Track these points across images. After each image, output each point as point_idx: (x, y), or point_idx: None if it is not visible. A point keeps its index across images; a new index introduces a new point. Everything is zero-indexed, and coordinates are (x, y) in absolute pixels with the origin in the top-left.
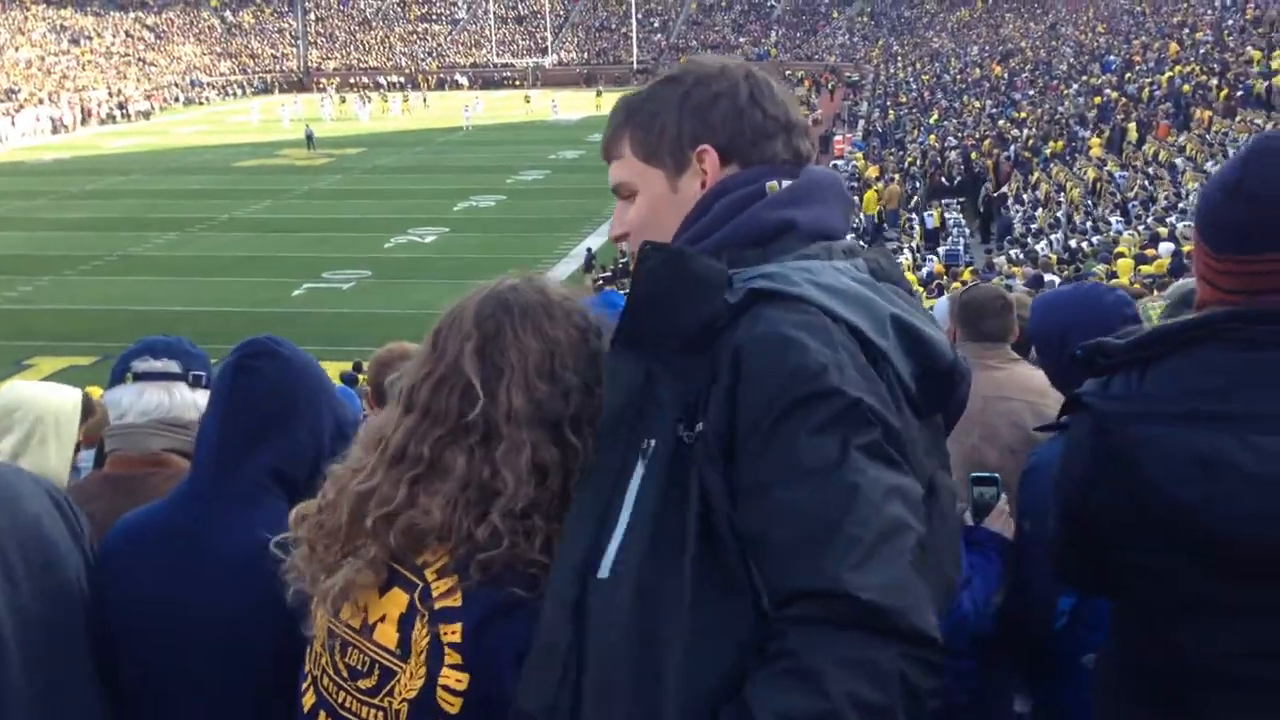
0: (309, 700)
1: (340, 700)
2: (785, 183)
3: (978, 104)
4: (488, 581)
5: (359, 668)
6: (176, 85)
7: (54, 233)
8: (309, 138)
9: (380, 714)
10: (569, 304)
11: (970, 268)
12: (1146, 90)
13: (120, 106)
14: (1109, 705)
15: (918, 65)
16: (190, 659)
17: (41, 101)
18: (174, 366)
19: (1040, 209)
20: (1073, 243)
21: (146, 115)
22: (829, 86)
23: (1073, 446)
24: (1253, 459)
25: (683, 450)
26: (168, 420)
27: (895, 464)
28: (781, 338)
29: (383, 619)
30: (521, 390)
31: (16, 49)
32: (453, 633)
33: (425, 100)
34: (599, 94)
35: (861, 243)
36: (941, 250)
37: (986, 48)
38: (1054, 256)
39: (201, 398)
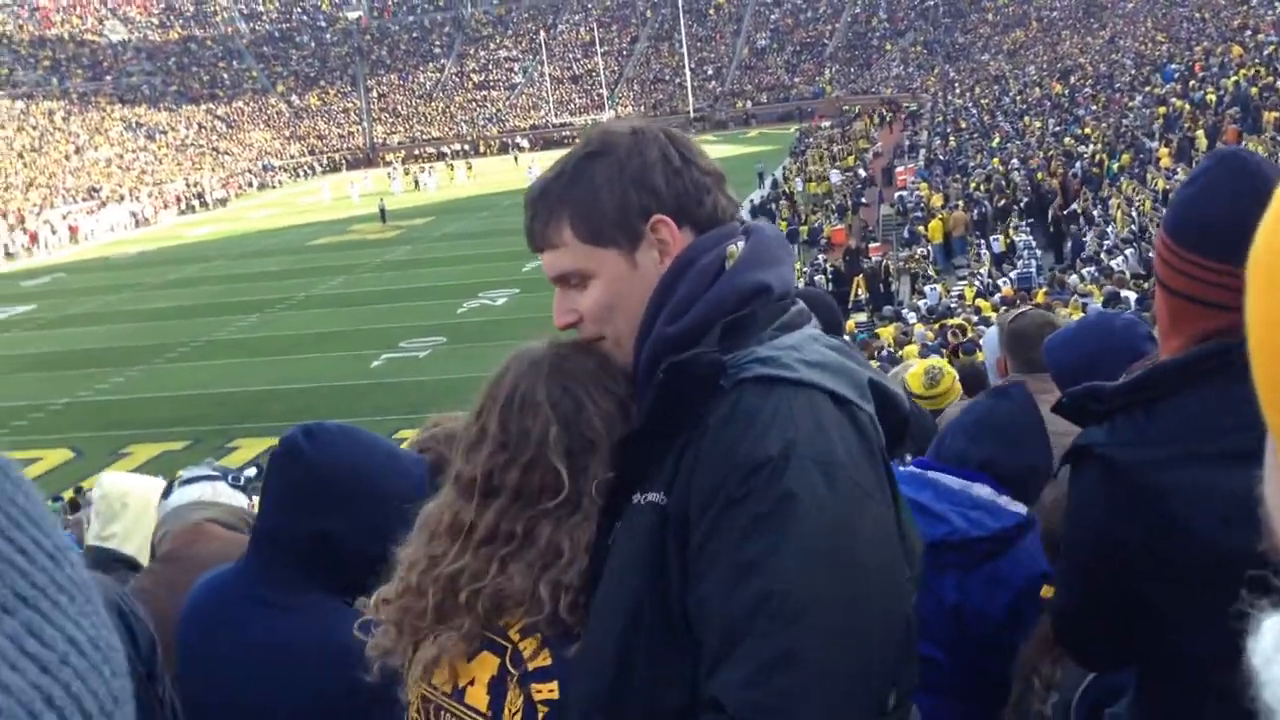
0: None
1: None
2: (740, 243)
3: (1039, 124)
4: (560, 637)
5: None
6: (249, 171)
7: (141, 323)
8: (382, 211)
9: None
10: (610, 354)
11: (1044, 289)
12: (1212, 96)
13: (197, 196)
14: None
15: (976, 90)
16: None
17: (123, 198)
18: (214, 471)
19: (1112, 224)
20: (1150, 256)
21: (223, 202)
22: (887, 118)
23: (1086, 498)
24: None
25: (660, 514)
26: (209, 501)
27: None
28: (745, 423)
29: (473, 682)
30: (604, 462)
31: (96, 148)
32: (549, 691)
33: (469, 166)
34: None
35: (933, 270)
36: (1013, 274)
37: (1044, 66)
38: (1129, 273)
39: (241, 498)
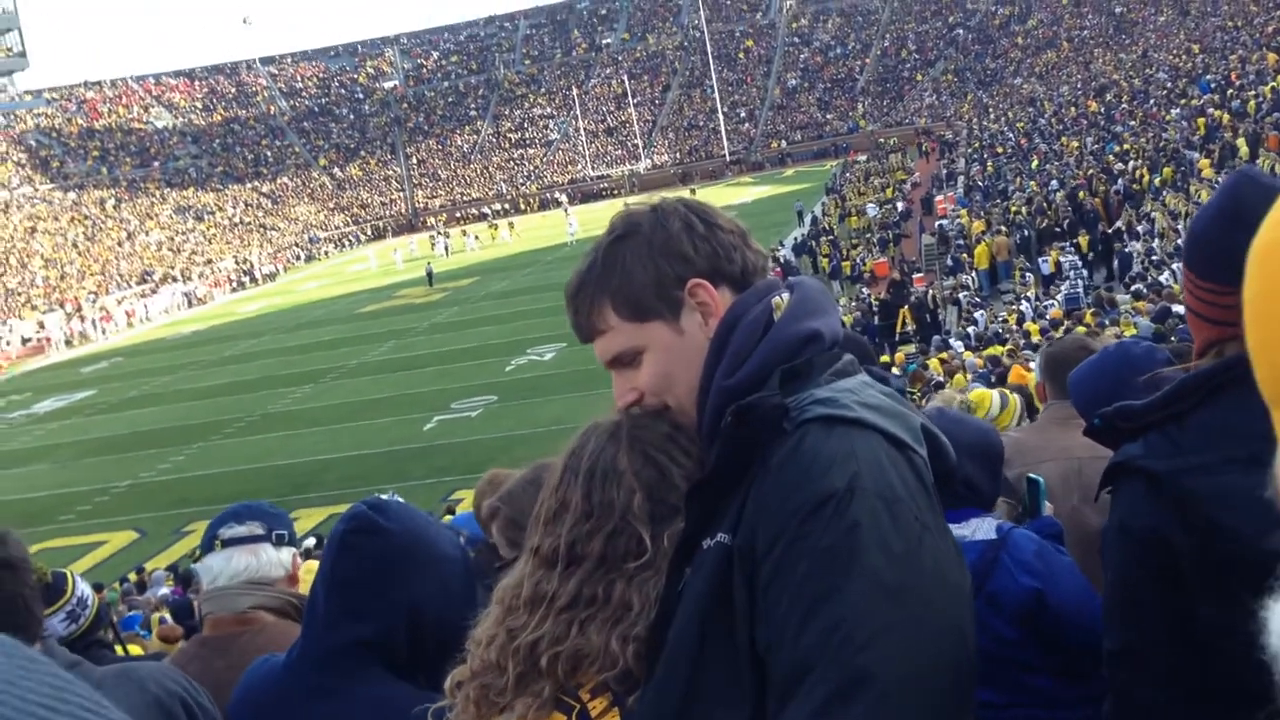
0: None
1: None
2: (785, 295)
3: (1077, 143)
4: (628, 693)
5: None
6: (296, 244)
7: (198, 401)
8: (429, 275)
9: None
10: (680, 420)
11: (1091, 310)
12: (1252, 103)
13: (247, 273)
14: None
15: (1010, 114)
16: None
17: (175, 279)
18: (258, 529)
19: (1159, 239)
20: None
21: (272, 277)
22: (923, 149)
23: (1130, 511)
24: None
25: (726, 554)
26: (255, 580)
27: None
28: (810, 459)
29: None
30: (679, 524)
31: (147, 233)
32: None
33: (511, 225)
34: (692, 191)
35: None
36: (1060, 295)
37: (1078, 86)
38: (1178, 287)
39: (285, 555)
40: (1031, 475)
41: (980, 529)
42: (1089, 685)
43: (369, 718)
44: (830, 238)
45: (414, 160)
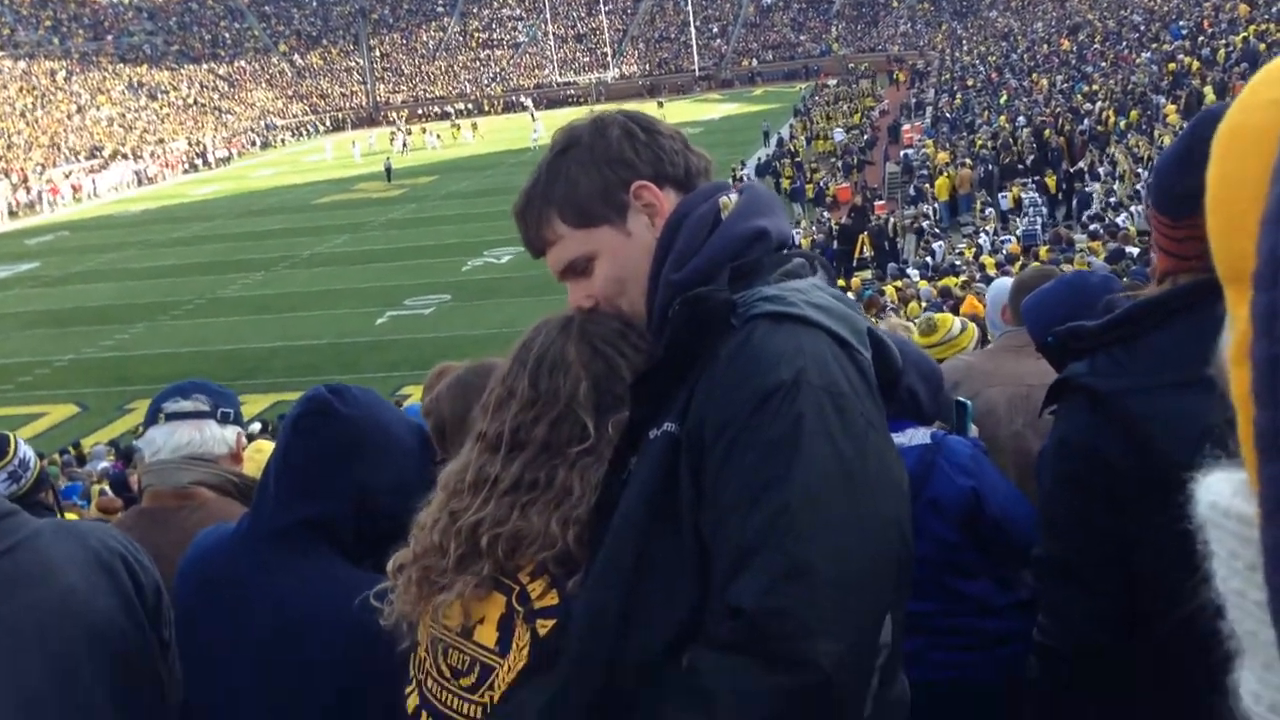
0: (412, 702)
1: (443, 699)
2: (732, 195)
3: (1047, 81)
4: (567, 576)
5: (460, 667)
6: (252, 130)
7: (145, 281)
8: (388, 170)
9: (481, 709)
10: (632, 319)
11: (1047, 247)
12: (1221, 52)
13: (200, 155)
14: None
15: (983, 47)
16: (245, 702)
17: (126, 156)
18: (203, 405)
19: (1119, 182)
20: None
21: (226, 161)
22: (893, 77)
23: (1071, 426)
24: None
25: (673, 443)
26: (198, 455)
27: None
28: (757, 352)
29: (482, 621)
30: (624, 413)
31: (98, 107)
32: (553, 626)
33: (475, 126)
34: (660, 105)
35: (938, 229)
36: (1018, 231)
37: (1053, 23)
38: (1134, 229)
39: (230, 433)
40: (960, 399)
41: (915, 436)
42: (1018, 592)
43: (316, 594)
44: (795, 160)
45: (377, 53)
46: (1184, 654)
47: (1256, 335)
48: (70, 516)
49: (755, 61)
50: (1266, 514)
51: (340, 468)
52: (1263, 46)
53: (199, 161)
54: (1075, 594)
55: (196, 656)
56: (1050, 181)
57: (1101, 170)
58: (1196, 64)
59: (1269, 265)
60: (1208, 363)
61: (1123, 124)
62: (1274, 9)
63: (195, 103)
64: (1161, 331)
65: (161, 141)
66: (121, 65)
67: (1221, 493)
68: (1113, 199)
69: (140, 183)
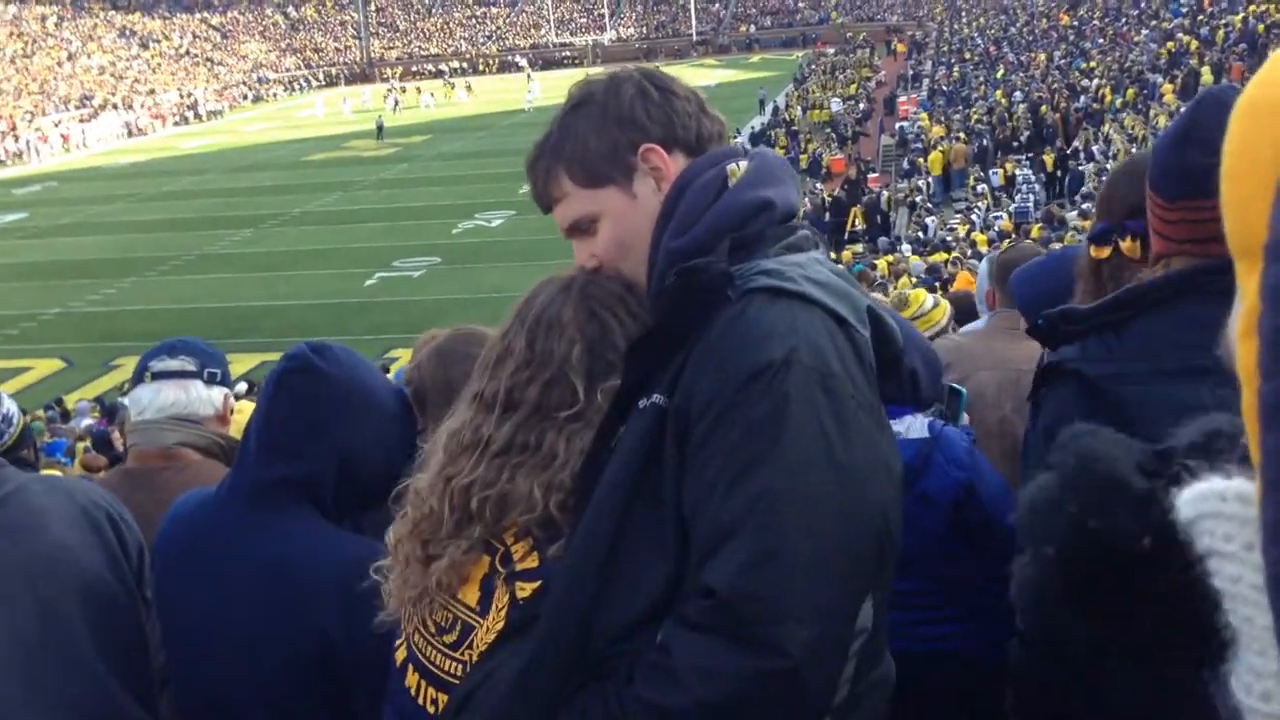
0: (400, 655)
1: (428, 655)
2: (741, 163)
3: (1044, 56)
4: (550, 540)
5: (444, 624)
6: (244, 83)
7: (133, 235)
8: (379, 128)
9: (461, 666)
10: (634, 283)
11: (1039, 224)
12: (1220, 32)
13: (191, 108)
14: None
15: (983, 20)
16: (223, 661)
17: (116, 106)
18: (190, 364)
19: (1113, 160)
20: None
21: (218, 114)
22: (891, 47)
23: (1059, 410)
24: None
25: (661, 414)
26: (183, 416)
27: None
28: (750, 328)
29: (466, 579)
30: (616, 381)
31: (89, 55)
32: (532, 590)
33: (469, 86)
34: (657, 69)
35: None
36: (1011, 208)
37: None
38: None
39: (216, 394)
40: (954, 385)
41: (914, 427)
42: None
43: (292, 551)
44: (790, 129)
45: (372, 7)
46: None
47: (1265, 308)
48: (53, 473)
49: (753, 28)
50: (1266, 485)
51: (322, 426)
52: (1261, 28)
53: (189, 114)
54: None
55: (176, 619)
56: (1048, 159)
57: (1095, 149)
58: (1195, 43)
59: None
60: (1198, 351)
61: (1119, 102)
62: None
63: (187, 53)
64: (1153, 317)
65: (152, 92)
66: (113, 12)
67: (1216, 482)
68: (1105, 177)
69: (130, 134)
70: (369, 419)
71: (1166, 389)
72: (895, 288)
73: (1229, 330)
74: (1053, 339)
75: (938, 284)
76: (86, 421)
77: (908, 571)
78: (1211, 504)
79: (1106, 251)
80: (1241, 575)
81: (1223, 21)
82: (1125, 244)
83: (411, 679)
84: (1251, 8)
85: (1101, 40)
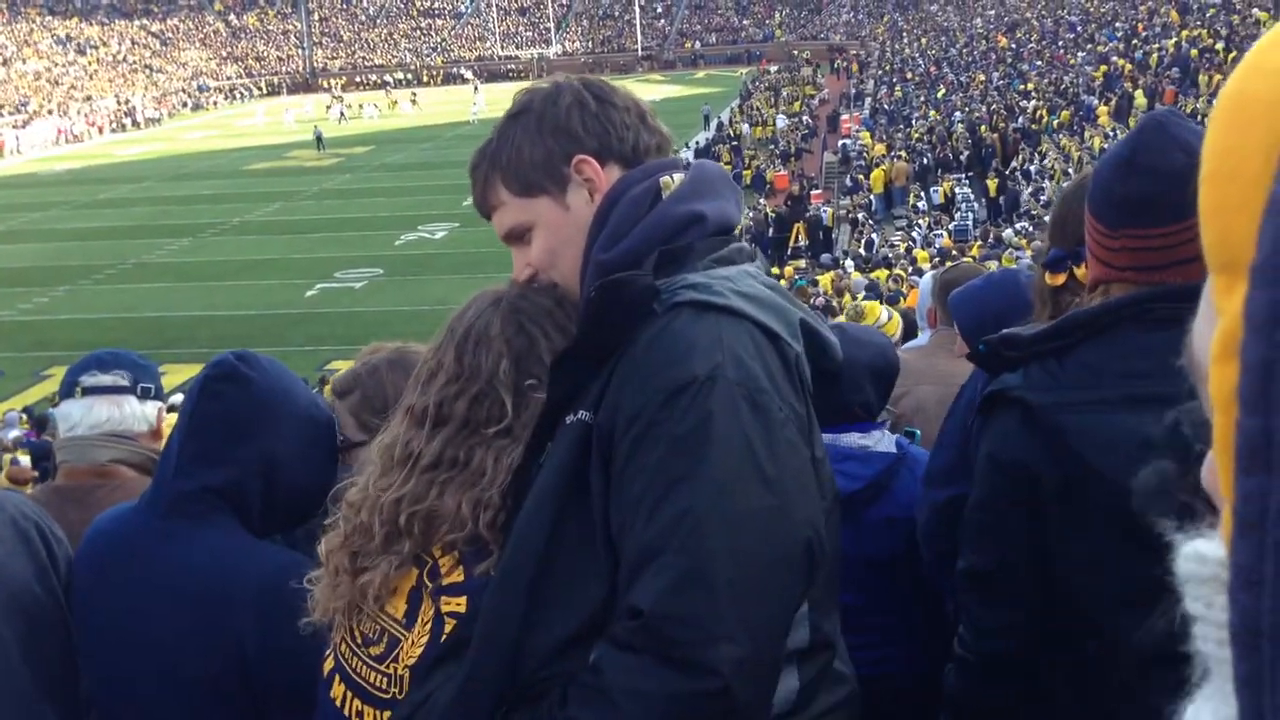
0: (329, 665)
1: (354, 666)
2: (676, 175)
3: (983, 77)
4: (476, 554)
5: (370, 635)
6: (184, 91)
7: (68, 243)
8: (319, 139)
9: (385, 679)
10: (566, 296)
11: (978, 243)
12: (1154, 57)
13: (129, 115)
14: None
15: (923, 40)
16: (141, 674)
17: (51, 112)
18: (122, 379)
19: (1049, 180)
20: None
21: (156, 122)
22: (835, 66)
23: (1001, 439)
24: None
25: (586, 431)
26: (116, 432)
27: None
28: (674, 343)
29: (394, 591)
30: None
31: (24, 61)
32: (456, 604)
33: (414, 98)
34: (602, 79)
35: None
36: (951, 226)
37: (992, 20)
38: None
39: (150, 409)
40: (909, 429)
41: (882, 441)
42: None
43: (210, 562)
44: (733, 144)
45: (316, 17)
46: (1104, 670)
47: (1249, 334)
48: None
49: (698, 44)
50: (1240, 527)
51: (245, 430)
52: (1194, 53)
53: (127, 121)
54: (992, 606)
55: (94, 633)
56: (992, 185)
57: (1032, 168)
58: (1130, 66)
59: (1271, 259)
60: (1142, 380)
61: (1055, 123)
62: (1205, 15)
63: (125, 60)
64: (1093, 345)
65: (89, 99)
66: (50, 17)
67: (1201, 544)
68: (1043, 197)
69: (66, 140)
70: (292, 428)
71: (1109, 418)
72: (840, 303)
73: (1195, 341)
74: (993, 364)
75: (880, 299)
76: (14, 433)
77: (854, 585)
78: (1193, 566)
79: (1062, 278)
80: (1210, 612)
81: (1156, 46)
82: (1080, 270)
83: (338, 690)
84: (1184, 33)
85: (1039, 63)
